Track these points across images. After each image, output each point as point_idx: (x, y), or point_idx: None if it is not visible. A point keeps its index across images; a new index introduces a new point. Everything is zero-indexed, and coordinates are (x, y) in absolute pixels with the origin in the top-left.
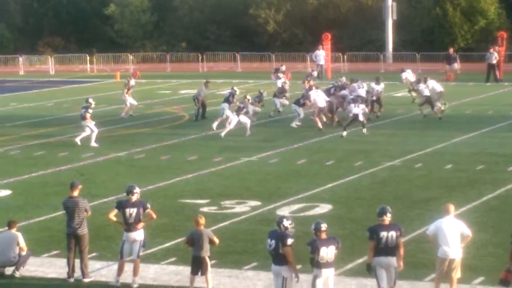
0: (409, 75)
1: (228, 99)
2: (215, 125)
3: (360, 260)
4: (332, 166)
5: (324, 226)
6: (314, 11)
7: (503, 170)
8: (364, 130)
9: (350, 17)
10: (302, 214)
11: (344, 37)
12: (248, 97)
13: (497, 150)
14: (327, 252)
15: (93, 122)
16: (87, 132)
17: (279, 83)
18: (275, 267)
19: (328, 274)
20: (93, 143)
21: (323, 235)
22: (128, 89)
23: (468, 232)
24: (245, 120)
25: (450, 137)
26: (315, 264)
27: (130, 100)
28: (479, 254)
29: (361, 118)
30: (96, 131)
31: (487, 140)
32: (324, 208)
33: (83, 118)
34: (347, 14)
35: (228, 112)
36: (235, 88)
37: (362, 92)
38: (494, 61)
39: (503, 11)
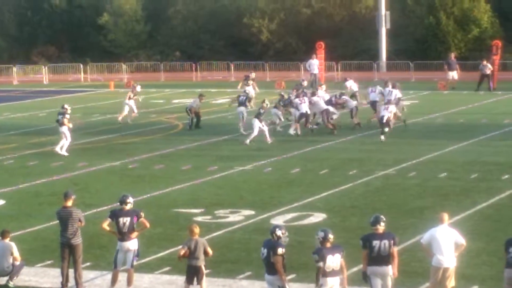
0: (353, 84)
1: (244, 103)
2: (242, 130)
3: (355, 269)
4: (326, 175)
5: (331, 235)
6: (307, 20)
7: (497, 178)
8: (382, 137)
9: (344, 26)
10: (296, 223)
11: (337, 46)
12: (266, 101)
13: (491, 158)
14: (333, 261)
15: (71, 125)
16: (63, 139)
17: (248, 90)
18: (268, 276)
19: (333, 283)
20: (64, 152)
21: (329, 244)
22: (134, 94)
23: (462, 241)
24: (264, 127)
25: (444, 145)
26: (321, 273)
27: (132, 106)
28: (473, 263)
29: (384, 120)
30: (69, 140)
31: (481, 148)
32: (318, 217)
33: (61, 124)
34: (340, 23)
35: (255, 122)
36: (247, 90)
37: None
38: (488, 72)
39: (496, 20)
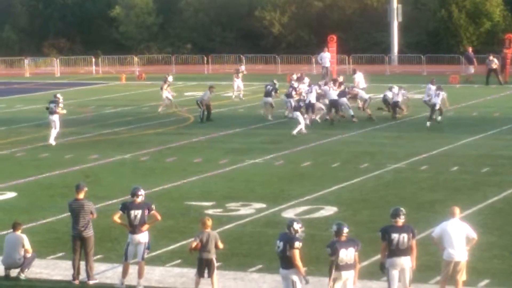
0: (361, 80)
1: (270, 93)
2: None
3: (366, 263)
4: (337, 168)
5: (346, 229)
6: (319, 13)
7: (508, 172)
8: (439, 118)
9: (355, 19)
10: (307, 216)
11: (349, 39)
12: (303, 94)
13: (503, 152)
14: (347, 254)
15: (65, 111)
16: (54, 128)
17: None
18: (283, 270)
19: (347, 276)
20: (51, 141)
21: (343, 237)
22: (168, 85)
23: (474, 234)
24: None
25: (455, 139)
26: (334, 266)
27: (168, 95)
28: (484, 257)
29: (437, 107)
30: (57, 129)
31: (492, 142)
32: (329, 210)
33: (53, 112)
34: (352, 16)
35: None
36: (275, 81)
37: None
38: (495, 66)
39: (508, 13)
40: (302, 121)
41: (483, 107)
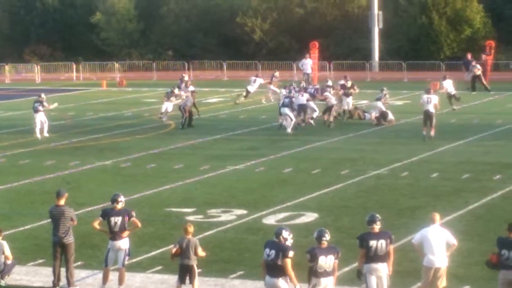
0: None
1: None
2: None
3: (347, 269)
4: (318, 174)
5: (327, 236)
6: (300, 19)
7: (488, 178)
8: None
9: (337, 25)
10: (288, 222)
11: (330, 45)
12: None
13: (483, 158)
14: (326, 261)
15: (52, 106)
16: (38, 125)
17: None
18: (271, 279)
19: (326, 283)
20: (46, 133)
21: (324, 244)
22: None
23: (454, 241)
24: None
25: (436, 145)
26: (313, 273)
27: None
28: (465, 263)
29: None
30: (47, 122)
31: (473, 149)
32: (310, 216)
33: (37, 111)
34: (333, 22)
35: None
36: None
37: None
38: (478, 73)
39: (488, 20)
40: (293, 117)
41: (463, 113)
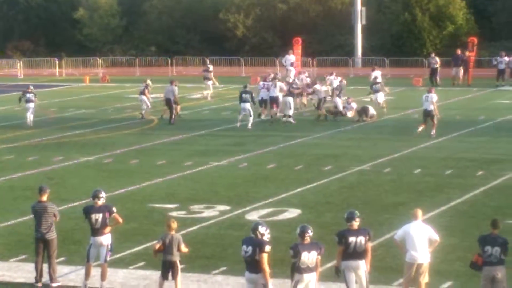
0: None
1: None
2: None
3: (329, 265)
4: (301, 170)
5: (310, 232)
6: (283, 15)
7: (471, 175)
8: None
9: (319, 21)
10: (271, 218)
11: (313, 41)
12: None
13: (465, 155)
14: (309, 257)
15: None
16: (30, 113)
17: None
18: (250, 275)
19: (309, 279)
20: (29, 121)
21: (307, 240)
22: (149, 91)
23: (436, 237)
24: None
25: (418, 142)
26: (296, 268)
27: (146, 101)
28: (447, 259)
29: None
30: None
31: (455, 144)
32: (293, 212)
33: (30, 101)
34: (316, 18)
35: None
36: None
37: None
38: (436, 66)
39: (471, 17)
40: (252, 113)
41: (446, 109)
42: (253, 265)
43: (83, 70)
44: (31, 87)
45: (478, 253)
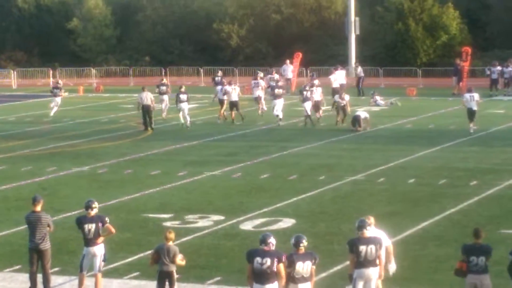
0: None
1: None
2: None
3: (324, 274)
4: (295, 180)
5: (304, 242)
6: (277, 26)
7: (465, 184)
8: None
9: (313, 32)
10: (265, 228)
11: (307, 51)
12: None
13: (459, 164)
14: (303, 267)
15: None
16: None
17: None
18: (262, 286)
19: None
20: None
21: (301, 250)
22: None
23: (388, 242)
24: None
25: (412, 151)
26: (290, 278)
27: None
28: (442, 268)
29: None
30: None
31: (449, 154)
32: (287, 222)
33: (57, 95)
34: (310, 29)
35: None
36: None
37: None
38: (362, 74)
39: (465, 26)
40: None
41: (439, 119)
42: (268, 277)
43: (77, 80)
44: (60, 81)
45: (462, 259)
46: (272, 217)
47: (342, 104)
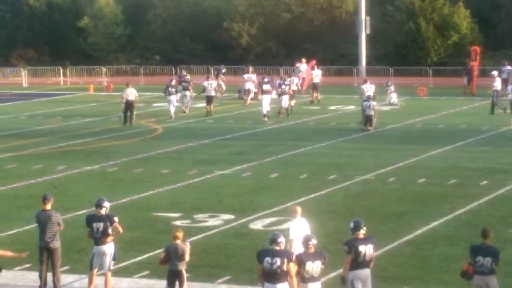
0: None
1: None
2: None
3: (333, 274)
4: (305, 179)
5: (314, 241)
6: (287, 24)
7: (475, 184)
8: None
9: (324, 30)
10: (275, 227)
11: (317, 51)
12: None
13: (470, 164)
14: (313, 267)
15: None
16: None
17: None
18: (273, 285)
19: None
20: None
21: (311, 250)
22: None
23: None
24: None
25: (423, 151)
26: (300, 278)
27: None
28: (451, 269)
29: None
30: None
31: (459, 154)
32: None
33: (172, 94)
34: (320, 28)
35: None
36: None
37: None
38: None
39: (475, 26)
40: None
41: (450, 119)
42: (279, 276)
43: (87, 78)
44: (174, 80)
45: (469, 262)
46: (281, 216)
47: (371, 114)
